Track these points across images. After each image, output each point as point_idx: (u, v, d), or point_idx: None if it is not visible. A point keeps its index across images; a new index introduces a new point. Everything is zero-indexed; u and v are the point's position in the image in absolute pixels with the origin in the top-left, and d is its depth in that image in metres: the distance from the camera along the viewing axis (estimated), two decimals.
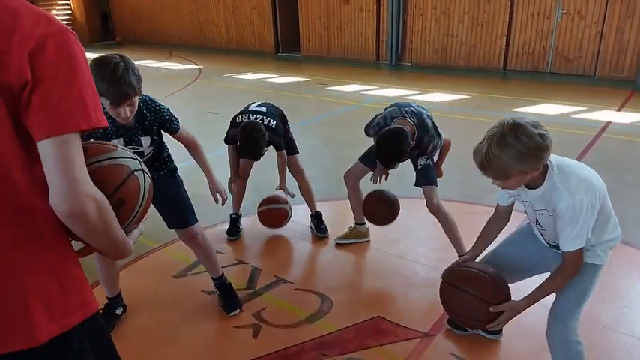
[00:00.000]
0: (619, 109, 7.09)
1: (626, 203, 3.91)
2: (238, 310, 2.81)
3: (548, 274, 2.01)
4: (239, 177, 3.60)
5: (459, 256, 3.10)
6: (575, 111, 7.08)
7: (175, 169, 2.69)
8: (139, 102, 2.27)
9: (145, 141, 2.42)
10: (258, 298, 2.98)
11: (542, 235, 2.12)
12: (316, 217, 3.74)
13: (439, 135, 3.06)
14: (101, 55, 2.11)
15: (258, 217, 3.67)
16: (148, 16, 17.38)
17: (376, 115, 3.16)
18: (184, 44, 16.30)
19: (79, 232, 1.04)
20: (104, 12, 18.46)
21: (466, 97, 8.22)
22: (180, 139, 2.58)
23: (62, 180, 0.96)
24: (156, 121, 2.41)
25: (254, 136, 3.12)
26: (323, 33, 12.90)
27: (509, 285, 2.15)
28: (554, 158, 1.89)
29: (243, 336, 2.65)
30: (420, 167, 3.10)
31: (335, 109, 7.69)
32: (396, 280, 3.15)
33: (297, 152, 3.60)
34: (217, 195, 2.70)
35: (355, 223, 3.61)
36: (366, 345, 2.53)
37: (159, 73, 11.73)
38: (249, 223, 3.91)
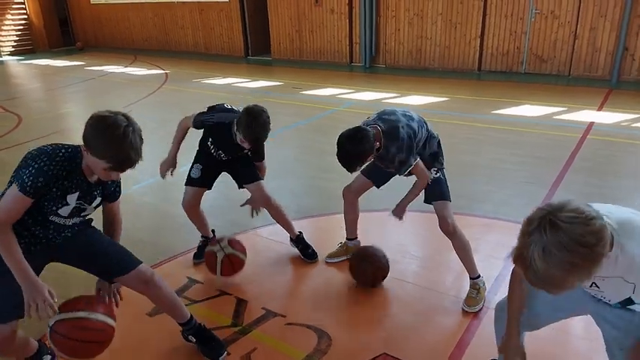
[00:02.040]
0: (599, 109, 7.03)
1: None
2: (225, 354, 2.45)
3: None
4: (189, 216, 3.27)
5: (471, 278, 2.84)
6: (555, 112, 6.99)
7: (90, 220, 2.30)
8: None
9: (97, 202, 2.13)
10: (246, 336, 2.63)
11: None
12: (298, 242, 3.38)
13: (411, 152, 2.61)
14: (103, 113, 1.85)
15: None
16: (110, 19, 16.67)
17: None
18: (149, 49, 15.69)
19: None
20: (63, 16, 17.61)
21: (443, 99, 8.05)
22: (111, 209, 2.23)
23: None
24: (113, 184, 2.14)
25: (264, 117, 2.71)
26: (294, 36, 12.57)
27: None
28: (607, 213, 1.47)
29: None
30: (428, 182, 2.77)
31: (312, 115, 7.38)
32: (397, 307, 2.86)
33: (261, 178, 3.19)
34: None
35: (346, 238, 3.34)
36: None
37: (123, 79, 11.18)
38: None
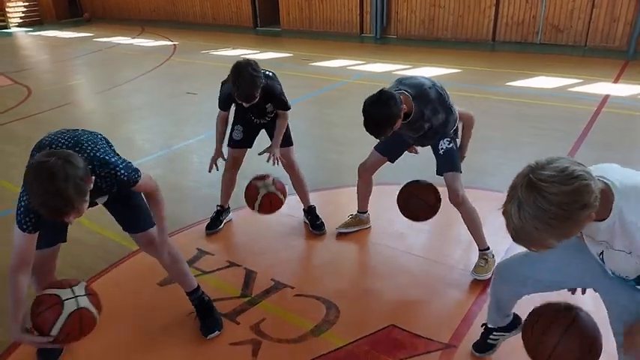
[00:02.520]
0: (615, 81, 6.85)
1: None
2: (217, 332, 2.46)
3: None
4: (227, 173, 3.29)
5: (480, 250, 2.83)
6: (570, 84, 6.83)
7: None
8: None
9: (102, 199, 2.19)
10: (255, 307, 2.66)
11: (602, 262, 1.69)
12: (310, 213, 3.42)
13: (449, 110, 2.63)
14: (40, 157, 1.67)
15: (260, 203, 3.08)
16: None
17: None
18: (157, 19, 15.52)
19: None
20: None
21: (457, 71, 7.89)
22: (139, 189, 2.15)
23: None
24: (113, 185, 2.01)
25: (249, 71, 2.67)
26: (304, 5, 12.33)
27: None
28: (613, 174, 1.43)
29: (240, 355, 2.34)
30: (441, 151, 2.74)
31: (322, 87, 7.29)
32: (405, 280, 2.86)
33: (292, 144, 3.25)
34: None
35: (357, 211, 3.34)
36: None
37: (131, 51, 11.10)
38: (241, 219, 3.57)
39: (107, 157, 1.97)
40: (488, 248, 2.85)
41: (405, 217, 2.96)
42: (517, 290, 1.97)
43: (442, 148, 2.72)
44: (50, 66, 10.33)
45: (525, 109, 5.84)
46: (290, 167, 3.27)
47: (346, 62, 8.86)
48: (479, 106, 5.93)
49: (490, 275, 2.75)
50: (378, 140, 2.80)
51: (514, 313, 2.15)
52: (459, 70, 7.92)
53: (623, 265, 1.57)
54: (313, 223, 3.38)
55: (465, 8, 10.13)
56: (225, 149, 3.26)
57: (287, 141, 3.19)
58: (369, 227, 3.37)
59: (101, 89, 7.93)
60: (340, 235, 3.31)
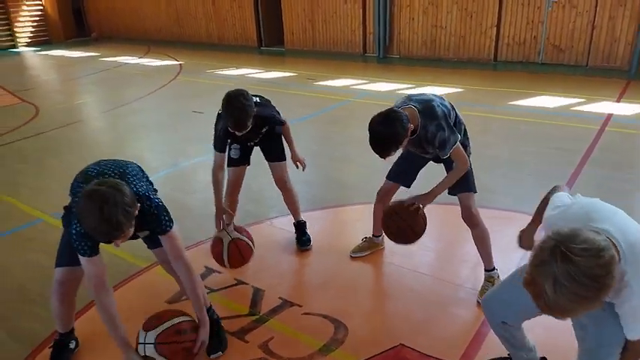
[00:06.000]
0: (618, 100, 6.91)
1: None
2: (220, 353, 2.46)
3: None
4: (229, 197, 3.28)
5: (486, 270, 2.84)
6: (573, 103, 6.89)
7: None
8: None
9: (142, 234, 2.32)
10: (263, 325, 2.66)
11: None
12: (298, 228, 3.43)
13: (453, 132, 2.56)
14: (92, 186, 1.88)
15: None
16: (124, 10, 16.75)
17: None
18: (163, 39, 15.75)
19: None
20: (77, 7, 17.72)
21: (459, 90, 7.97)
22: (165, 244, 2.23)
23: None
24: (152, 223, 2.17)
25: (241, 100, 2.70)
26: (307, 26, 12.52)
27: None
28: (619, 230, 1.46)
29: None
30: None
31: (326, 106, 7.36)
32: (413, 299, 2.86)
33: (285, 159, 3.27)
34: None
35: (373, 235, 3.32)
36: None
37: (137, 70, 11.24)
38: None
39: (148, 193, 2.14)
40: (494, 269, 2.85)
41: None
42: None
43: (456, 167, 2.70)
44: (58, 85, 10.46)
45: (528, 128, 5.88)
46: (280, 181, 3.27)
47: (350, 81, 8.96)
48: (481, 125, 5.98)
49: None
50: (383, 159, 2.74)
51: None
52: (462, 90, 8.00)
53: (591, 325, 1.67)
54: (299, 238, 3.40)
55: (466, 29, 10.27)
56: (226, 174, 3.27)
57: (280, 156, 3.23)
58: (383, 248, 3.35)
59: (108, 108, 8.02)
60: (353, 259, 3.29)
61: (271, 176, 3.31)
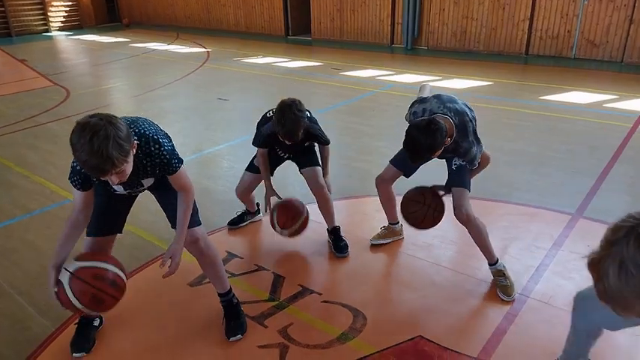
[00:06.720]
0: None
1: None
2: (240, 336, 2.48)
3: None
4: (242, 197, 3.45)
5: (490, 265, 2.81)
6: (605, 100, 6.69)
7: None
8: (137, 149, 1.96)
9: (147, 182, 2.25)
10: (283, 311, 2.69)
11: None
12: (333, 233, 3.32)
13: (479, 143, 2.68)
14: (84, 118, 1.80)
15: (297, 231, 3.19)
16: None
17: (414, 102, 2.80)
18: (192, 26, 15.88)
19: None
20: None
21: (488, 83, 7.83)
22: (173, 181, 2.21)
23: None
24: (156, 166, 2.10)
25: (294, 111, 2.74)
26: (335, 15, 12.44)
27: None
28: None
29: (268, 358, 2.37)
30: (454, 167, 2.77)
31: (351, 96, 7.32)
32: (433, 292, 2.85)
33: (319, 164, 3.24)
34: (168, 260, 2.21)
35: (389, 223, 3.33)
36: None
37: (166, 56, 11.37)
38: (269, 224, 3.61)
39: (156, 136, 2.06)
40: (497, 260, 2.83)
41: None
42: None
43: (455, 164, 2.75)
44: (88, 69, 10.67)
45: (558, 124, 5.75)
46: (316, 186, 3.18)
47: (376, 72, 8.88)
48: (510, 120, 5.88)
49: (516, 294, 2.72)
50: (412, 163, 2.73)
51: None
52: (491, 83, 7.85)
53: None
54: (336, 244, 3.27)
55: (498, 21, 10.05)
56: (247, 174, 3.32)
57: (314, 161, 3.22)
58: (402, 238, 3.36)
59: (136, 93, 8.15)
60: (373, 247, 3.30)
61: (291, 162, 3.31)
